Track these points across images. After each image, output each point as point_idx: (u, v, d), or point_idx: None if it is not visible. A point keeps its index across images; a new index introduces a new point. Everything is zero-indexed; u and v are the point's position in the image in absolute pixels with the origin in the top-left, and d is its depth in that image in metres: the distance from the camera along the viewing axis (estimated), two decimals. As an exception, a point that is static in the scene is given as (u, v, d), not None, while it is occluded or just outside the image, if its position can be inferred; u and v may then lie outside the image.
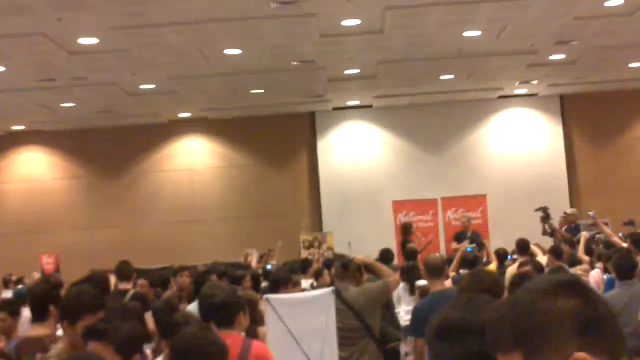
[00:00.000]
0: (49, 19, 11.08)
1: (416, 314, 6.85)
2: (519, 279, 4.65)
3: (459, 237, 15.52)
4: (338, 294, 7.04)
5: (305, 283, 10.79)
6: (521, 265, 9.13)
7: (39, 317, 5.36)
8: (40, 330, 5.24)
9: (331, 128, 20.20)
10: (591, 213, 12.58)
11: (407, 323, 9.43)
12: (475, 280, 4.69)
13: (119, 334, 3.81)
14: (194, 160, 20.37)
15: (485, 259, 12.92)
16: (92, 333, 3.91)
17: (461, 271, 11.10)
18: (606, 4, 12.19)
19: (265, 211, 19.71)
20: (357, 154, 20.13)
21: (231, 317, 5.08)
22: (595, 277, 9.65)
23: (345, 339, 6.97)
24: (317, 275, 11.50)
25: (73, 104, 17.11)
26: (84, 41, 12.39)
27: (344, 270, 7.39)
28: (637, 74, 17.85)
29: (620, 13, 12.74)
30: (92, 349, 3.74)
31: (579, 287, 1.57)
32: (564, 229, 15.49)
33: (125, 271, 9.19)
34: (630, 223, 13.85)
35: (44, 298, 5.42)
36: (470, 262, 10.93)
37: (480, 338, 2.07)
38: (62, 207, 19.99)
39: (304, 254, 17.80)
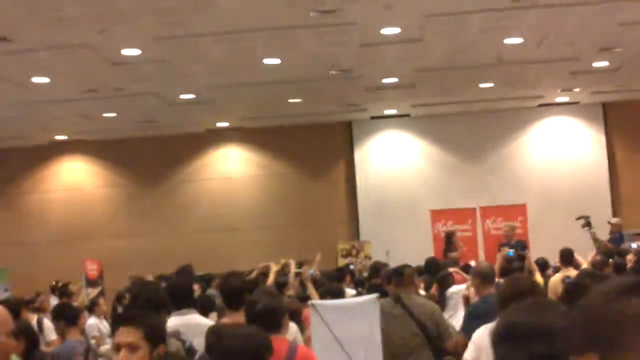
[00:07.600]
0: (92, 31, 11.22)
1: (470, 314, 7.03)
2: (573, 287, 4.60)
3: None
4: (399, 300, 7.10)
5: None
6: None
7: (235, 306, 5.90)
8: (238, 317, 5.68)
9: (368, 137, 20.15)
10: None
11: None
12: (514, 284, 4.73)
13: (150, 320, 3.95)
14: (230, 169, 20.46)
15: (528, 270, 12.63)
16: (123, 318, 4.04)
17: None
18: (652, 9, 11.92)
19: (302, 220, 19.72)
20: (395, 162, 20.03)
21: (276, 320, 5.12)
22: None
23: (401, 346, 6.98)
24: (359, 284, 11.48)
25: (114, 114, 17.29)
26: (126, 52, 12.54)
27: (398, 277, 7.44)
28: (682, 82, 17.45)
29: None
30: (121, 332, 3.82)
31: None
32: (607, 238, 15.28)
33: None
34: None
35: (241, 290, 5.99)
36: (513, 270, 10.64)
37: (546, 341, 2.06)
38: (103, 214, 20.25)
39: (341, 262, 17.76)
